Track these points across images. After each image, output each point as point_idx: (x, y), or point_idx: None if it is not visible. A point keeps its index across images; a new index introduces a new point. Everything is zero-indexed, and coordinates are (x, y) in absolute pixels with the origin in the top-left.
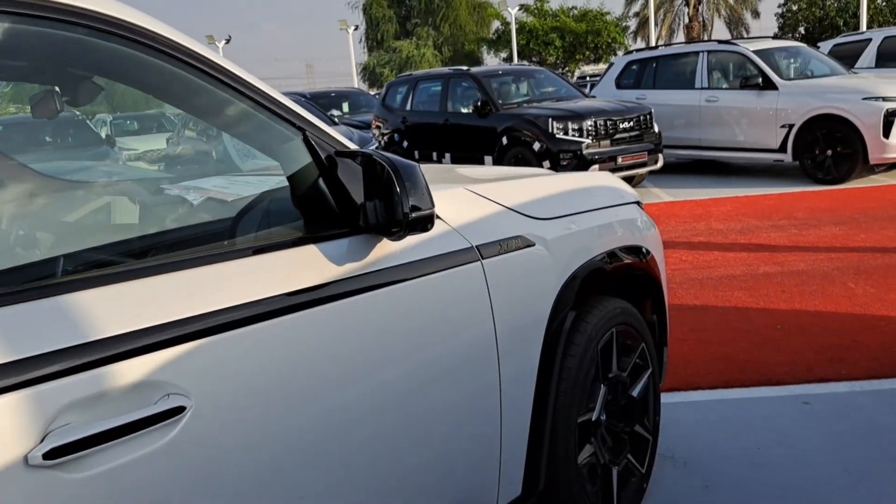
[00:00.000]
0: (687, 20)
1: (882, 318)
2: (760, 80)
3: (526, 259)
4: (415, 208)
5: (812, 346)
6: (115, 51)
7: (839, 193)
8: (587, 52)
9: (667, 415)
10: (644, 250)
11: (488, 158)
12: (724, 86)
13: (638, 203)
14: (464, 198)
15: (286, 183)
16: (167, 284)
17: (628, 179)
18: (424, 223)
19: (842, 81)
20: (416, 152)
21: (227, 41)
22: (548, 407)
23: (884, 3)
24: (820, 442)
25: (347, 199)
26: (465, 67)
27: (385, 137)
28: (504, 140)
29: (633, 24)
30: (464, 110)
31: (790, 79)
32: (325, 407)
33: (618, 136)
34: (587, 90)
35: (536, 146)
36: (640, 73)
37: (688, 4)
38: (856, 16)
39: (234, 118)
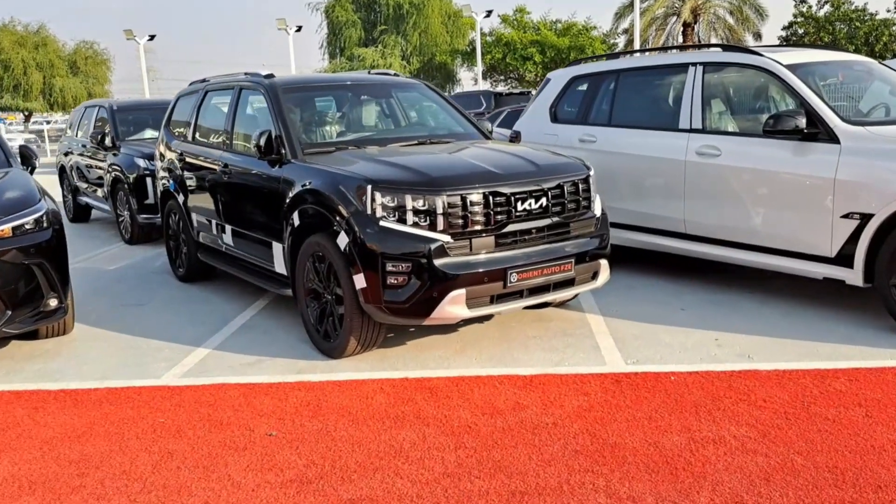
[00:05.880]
0: (681, 40)
1: None
2: (803, 121)
3: None
4: None
5: None
6: None
7: None
8: None
9: None
10: None
11: (278, 248)
12: (730, 127)
13: None
14: None
15: None
16: None
17: (540, 306)
18: None
19: None
20: (195, 217)
21: (298, 30)
22: None
23: None
24: None
25: None
26: (264, 73)
27: (163, 181)
28: (296, 218)
29: (621, 41)
30: (253, 149)
31: (860, 122)
32: None
33: (513, 225)
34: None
35: (342, 240)
36: (590, 98)
37: (680, 19)
38: (867, 43)
39: None
